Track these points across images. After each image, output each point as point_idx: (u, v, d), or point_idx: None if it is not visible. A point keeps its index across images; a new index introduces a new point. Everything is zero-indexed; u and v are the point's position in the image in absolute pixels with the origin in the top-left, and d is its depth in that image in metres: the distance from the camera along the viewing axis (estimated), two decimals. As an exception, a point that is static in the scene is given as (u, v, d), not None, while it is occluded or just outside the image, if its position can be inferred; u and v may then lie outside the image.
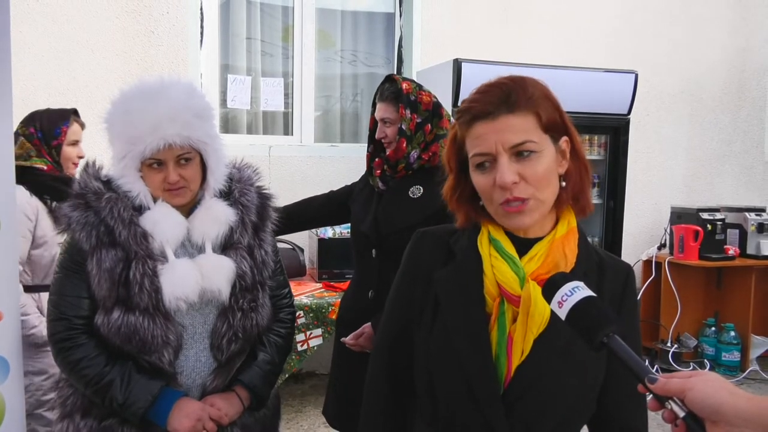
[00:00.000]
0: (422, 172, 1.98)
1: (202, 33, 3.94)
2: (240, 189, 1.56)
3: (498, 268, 1.05)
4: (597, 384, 1.08)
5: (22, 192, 2.10)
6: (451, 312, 1.08)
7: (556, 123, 1.05)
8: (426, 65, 4.16)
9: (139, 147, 1.37)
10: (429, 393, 1.10)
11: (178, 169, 1.42)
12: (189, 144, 1.41)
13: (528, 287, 1.01)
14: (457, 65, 3.52)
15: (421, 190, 1.95)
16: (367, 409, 1.23)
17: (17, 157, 2.19)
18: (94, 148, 2.03)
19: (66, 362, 1.42)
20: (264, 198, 1.62)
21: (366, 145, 2.12)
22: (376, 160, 2.06)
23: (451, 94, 3.53)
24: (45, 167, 2.24)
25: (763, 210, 4.62)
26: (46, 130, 2.27)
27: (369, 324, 1.92)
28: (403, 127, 1.96)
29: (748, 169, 5.23)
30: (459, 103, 3.78)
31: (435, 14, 4.30)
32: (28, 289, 2.18)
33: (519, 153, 1.01)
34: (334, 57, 4.42)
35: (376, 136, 2.04)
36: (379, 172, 2.03)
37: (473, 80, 3.77)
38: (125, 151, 1.39)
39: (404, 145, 1.95)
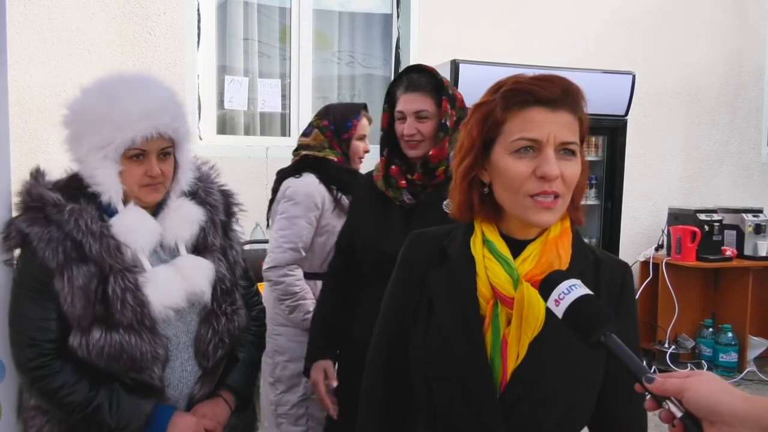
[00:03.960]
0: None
1: (199, 34, 3.94)
2: (204, 188, 1.51)
3: (491, 270, 1.04)
4: (596, 387, 1.07)
5: (311, 180, 2.18)
6: (445, 314, 1.07)
7: (585, 135, 1.06)
8: (423, 66, 4.16)
9: (127, 134, 1.29)
10: (426, 395, 1.09)
11: (158, 163, 1.36)
12: (176, 137, 1.38)
13: (522, 289, 1.00)
14: (455, 66, 3.52)
15: None
16: (364, 411, 1.22)
17: (311, 147, 2.27)
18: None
19: (44, 391, 1.32)
20: (227, 196, 1.58)
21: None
22: (392, 167, 1.75)
23: (448, 95, 3.53)
24: (335, 159, 2.26)
25: (760, 211, 4.62)
26: (339, 123, 2.29)
27: None
28: (447, 123, 1.73)
29: (745, 170, 5.24)
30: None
31: (432, 15, 4.30)
32: (308, 276, 2.22)
33: (564, 150, 1.00)
34: (331, 58, 4.42)
35: (406, 132, 1.72)
36: (404, 182, 1.74)
37: (471, 81, 3.76)
38: (109, 140, 1.30)
39: (447, 144, 1.71)
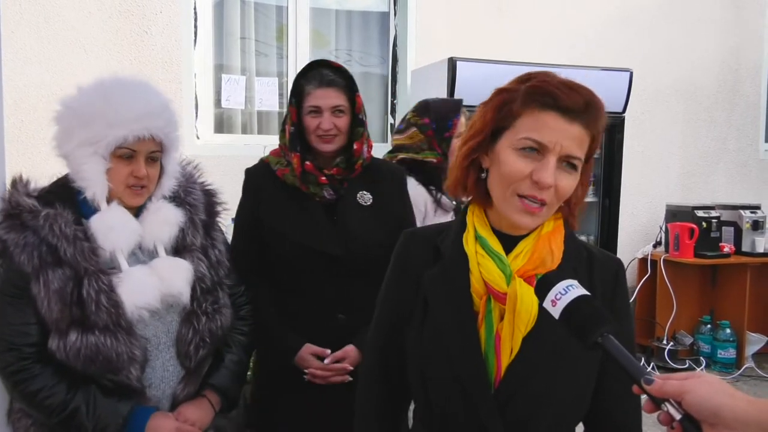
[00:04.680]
0: (365, 175, 1.81)
1: (195, 33, 3.92)
2: (184, 188, 1.53)
3: (484, 266, 1.04)
4: (591, 382, 1.08)
5: (412, 183, 2.13)
6: (439, 311, 1.08)
7: (594, 152, 1.05)
8: (421, 64, 4.15)
9: (119, 132, 1.32)
10: (422, 392, 1.10)
11: (145, 166, 1.38)
12: (167, 142, 1.40)
13: (514, 284, 1.01)
14: (452, 64, 3.52)
15: (370, 197, 1.79)
16: (361, 411, 1.22)
17: (408, 148, 2.22)
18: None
19: (24, 394, 1.34)
20: (209, 195, 1.59)
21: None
22: (307, 163, 1.74)
23: (446, 93, 3.52)
24: (435, 160, 2.22)
25: (757, 207, 4.62)
26: (440, 121, 2.25)
27: (351, 346, 1.71)
28: (364, 118, 1.78)
29: (742, 166, 5.24)
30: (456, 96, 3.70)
31: (430, 13, 4.29)
32: None
33: (566, 164, 1.00)
34: (328, 57, 4.41)
35: (324, 127, 1.72)
36: (324, 179, 1.74)
37: (468, 79, 3.74)
38: (101, 135, 1.32)
39: (364, 138, 1.79)
